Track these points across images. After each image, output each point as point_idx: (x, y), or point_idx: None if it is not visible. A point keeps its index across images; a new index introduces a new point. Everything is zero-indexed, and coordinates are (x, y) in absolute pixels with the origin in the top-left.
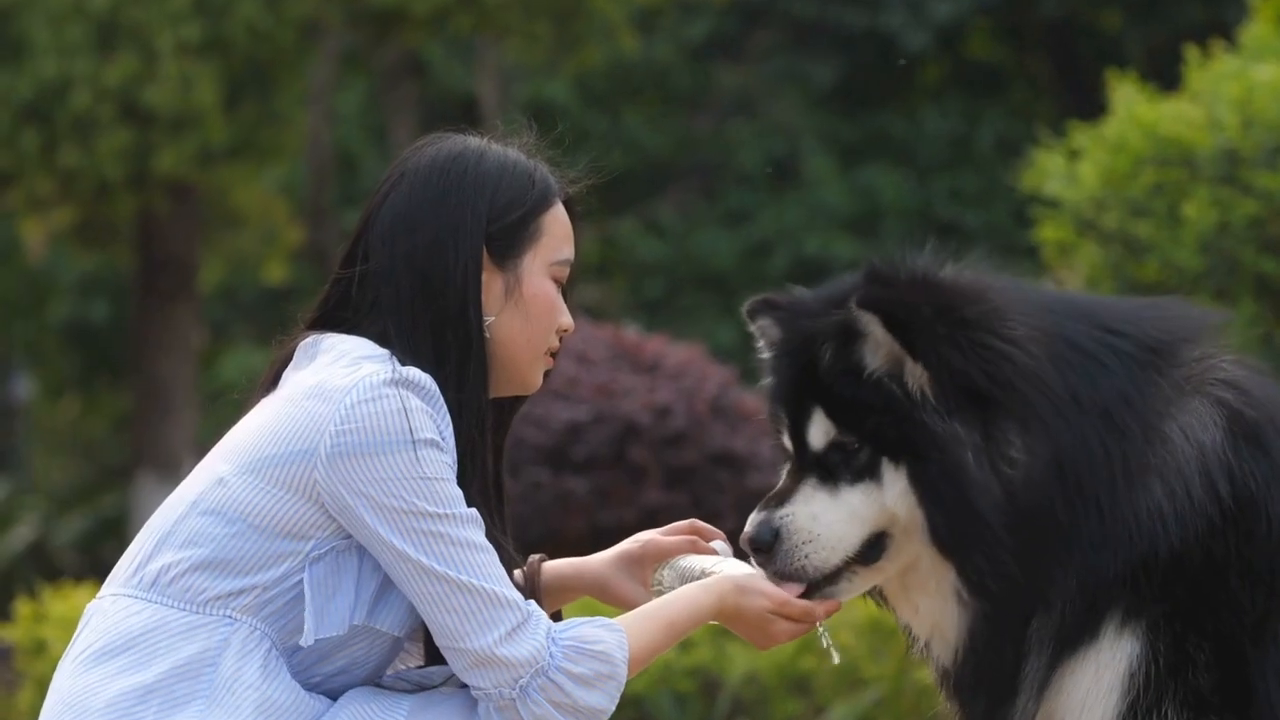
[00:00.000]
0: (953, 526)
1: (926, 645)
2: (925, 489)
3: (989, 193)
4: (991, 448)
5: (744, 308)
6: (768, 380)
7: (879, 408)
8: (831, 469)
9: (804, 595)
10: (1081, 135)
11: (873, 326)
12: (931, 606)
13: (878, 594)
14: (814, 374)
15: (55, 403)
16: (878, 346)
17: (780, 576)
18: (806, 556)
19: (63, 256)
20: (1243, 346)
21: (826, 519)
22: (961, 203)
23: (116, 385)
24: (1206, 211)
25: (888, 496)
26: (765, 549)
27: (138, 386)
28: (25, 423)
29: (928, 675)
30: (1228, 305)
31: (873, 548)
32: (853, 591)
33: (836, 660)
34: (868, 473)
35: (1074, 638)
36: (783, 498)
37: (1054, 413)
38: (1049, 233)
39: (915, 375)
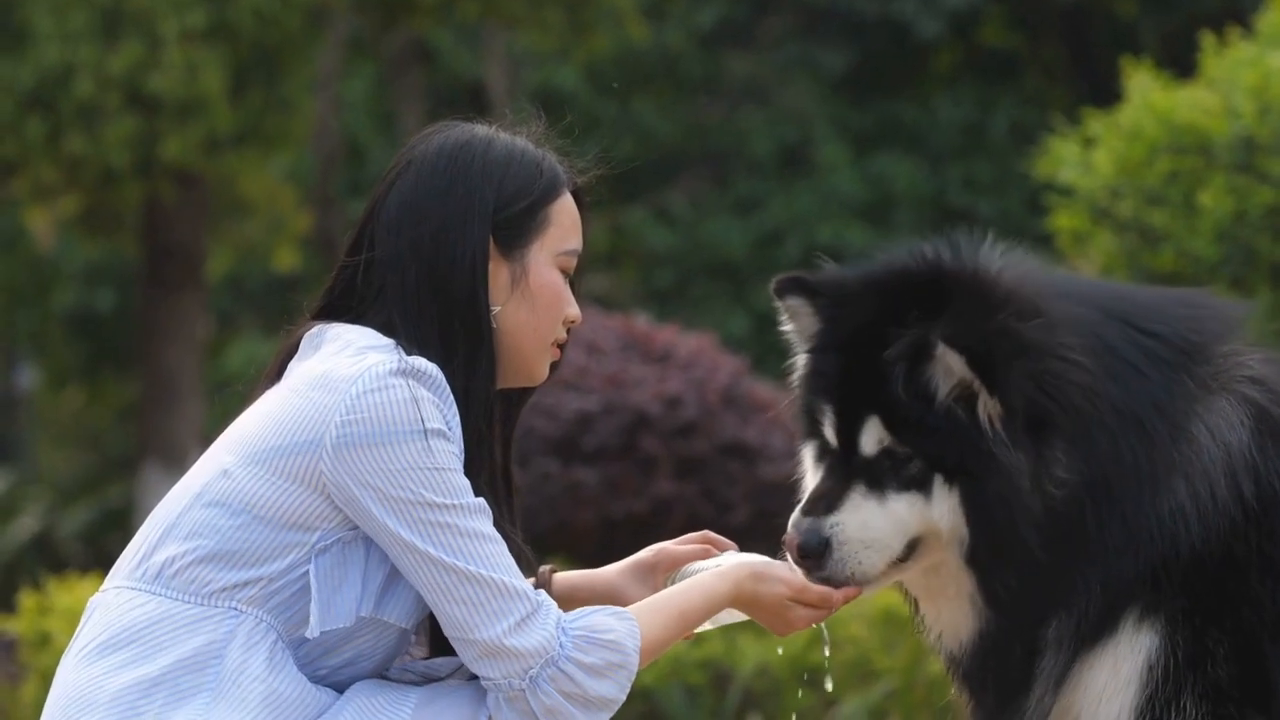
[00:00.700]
0: (994, 547)
1: (938, 637)
2: (976, 511)
3: (1003, 181)
4: (1042, 469)
5: (772, 284)
6: (806, 370)
7: (943, 430)
8: (879, 476)
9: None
10: (1096, 123)
11: (954, 362)
12: (948, 608)
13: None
14: (870, 378)
15: (60, 392)
16: (951, 374)
17: (828, 583)
18: (859, 564)
19: (68, 245)
20: (1259, 338)
21: (875, 526)
22: (975, 190)
23: (122, 375)
24: (1223, 200)
25: (934, 511)
26: (815, 556)
27: (143, 376)
28: (30, 413)
29: (939, 667)
30: (1244, 295)
31: (909, 549)
32: (880, 586)
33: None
34: (916, 484)
35: (1093, 635)
36: (831, 504)
37: (1099, 427)
38: (1063, 221)
39: (988, 405)
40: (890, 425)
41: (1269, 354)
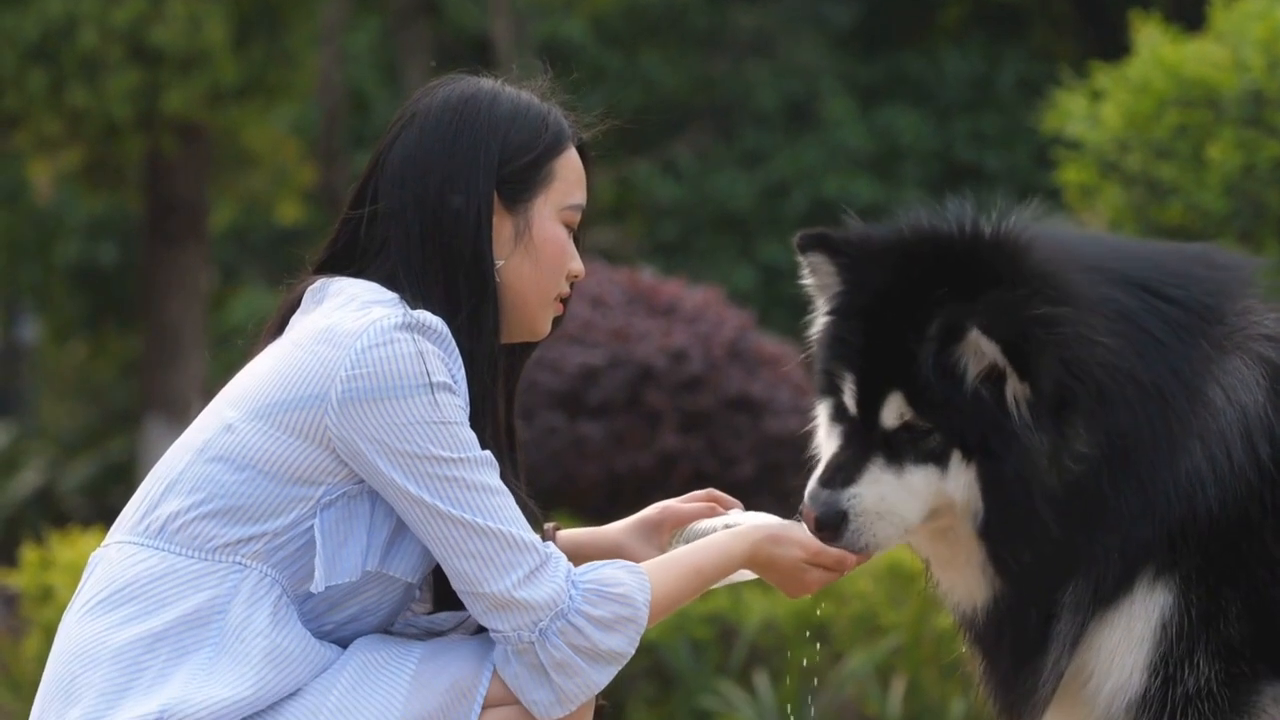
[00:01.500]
0: (1008, 522)
1: (950, 600)
2: (993, 487)
3: (1010, 134)
4: (1063, 446)
5: (795, 238)
6: (828, 334)
7: (968, 409)
8: (898, 448)
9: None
10: (1104, 76)
11: (988, 348)
12: (960, 575)
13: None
14: (894, 350)
15: (62, 346)
16: (981, 357)
17: (843, 549)
18: (874, 535)
19: (70, 198)
20: (1270, 292)
21: (893, 500)
22: (982, 144)
23: (124, 328)
24: (1231, 153)
25: (950, 485)
26: (832, 529)
27: (146, 330)
28: (32, 366)
29: (946, 622)
30: (1252, 248)
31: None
32: (890, 548)
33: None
34: (935, 458)
35: (1109, 597)
36: (849, 476)
37: (1120, 402)
38: (1071, 175)
39: (1016, 388)
40: (913, 400)
41: None
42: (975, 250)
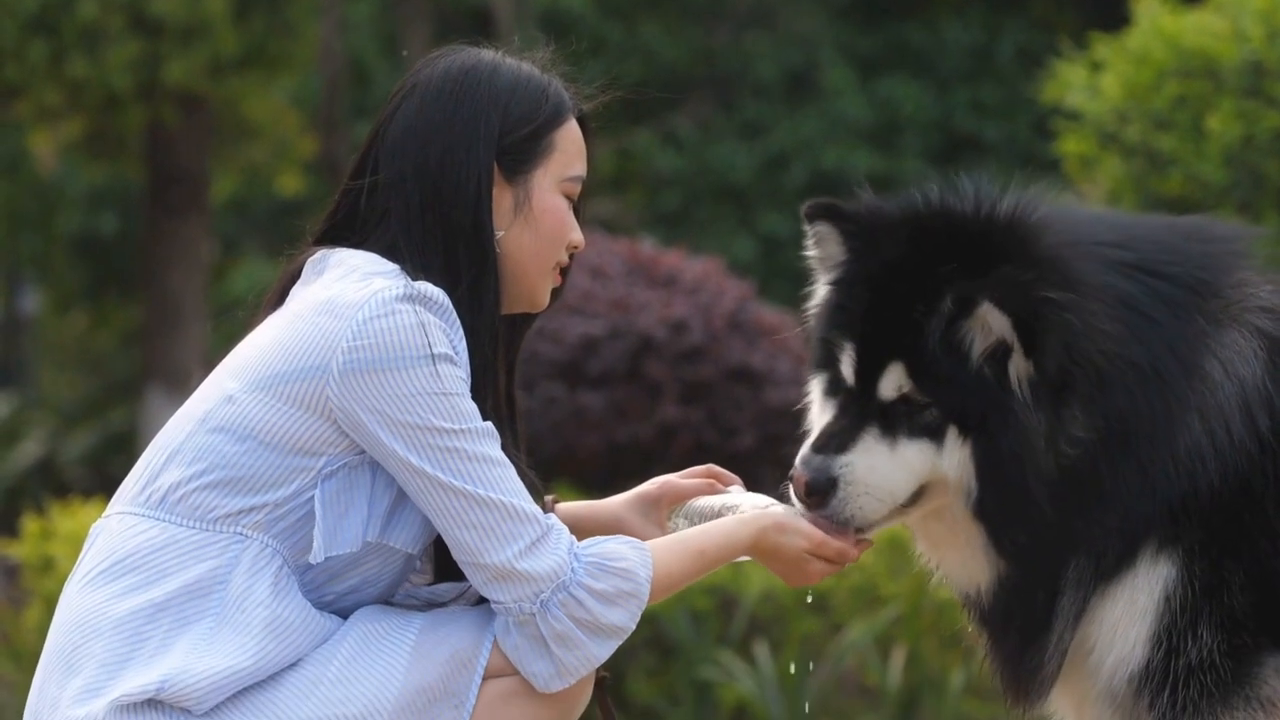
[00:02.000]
0: (1002, 502)
1: (949, 581)
2: (988, 465)
3: (1010, 105)
4: (1059, 429)
5: (803, 208)
6: (829, 302)
7: (970, 385)
8: (894, 420)
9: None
10: (1104, 47)
11: (998, 323)
12: (961, 557)
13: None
14: (897, 321)
15: (63, 317)
16: (989, 333)
17: (829, 522)
18: (861, 507)
19: (71, 169)
20: (1268, 262)
21: (884, 471)
22: (982, 115)
23: (125, 299)
24: (1231, 124)
25: (945, 461)
26: (820, 494)
27: (147, 300)
28: (33, 337)
29: (946, 593)
30: (1252, 219)
31: (914, 496)
32: (883, 527)
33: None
34: (930, 433)
35: (1112, 571)
36: (842, 444)
37: (1117, 385)
38: (1071, 146)
39: (1020, 367)
40: (913, 373)
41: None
42: (984, 229)
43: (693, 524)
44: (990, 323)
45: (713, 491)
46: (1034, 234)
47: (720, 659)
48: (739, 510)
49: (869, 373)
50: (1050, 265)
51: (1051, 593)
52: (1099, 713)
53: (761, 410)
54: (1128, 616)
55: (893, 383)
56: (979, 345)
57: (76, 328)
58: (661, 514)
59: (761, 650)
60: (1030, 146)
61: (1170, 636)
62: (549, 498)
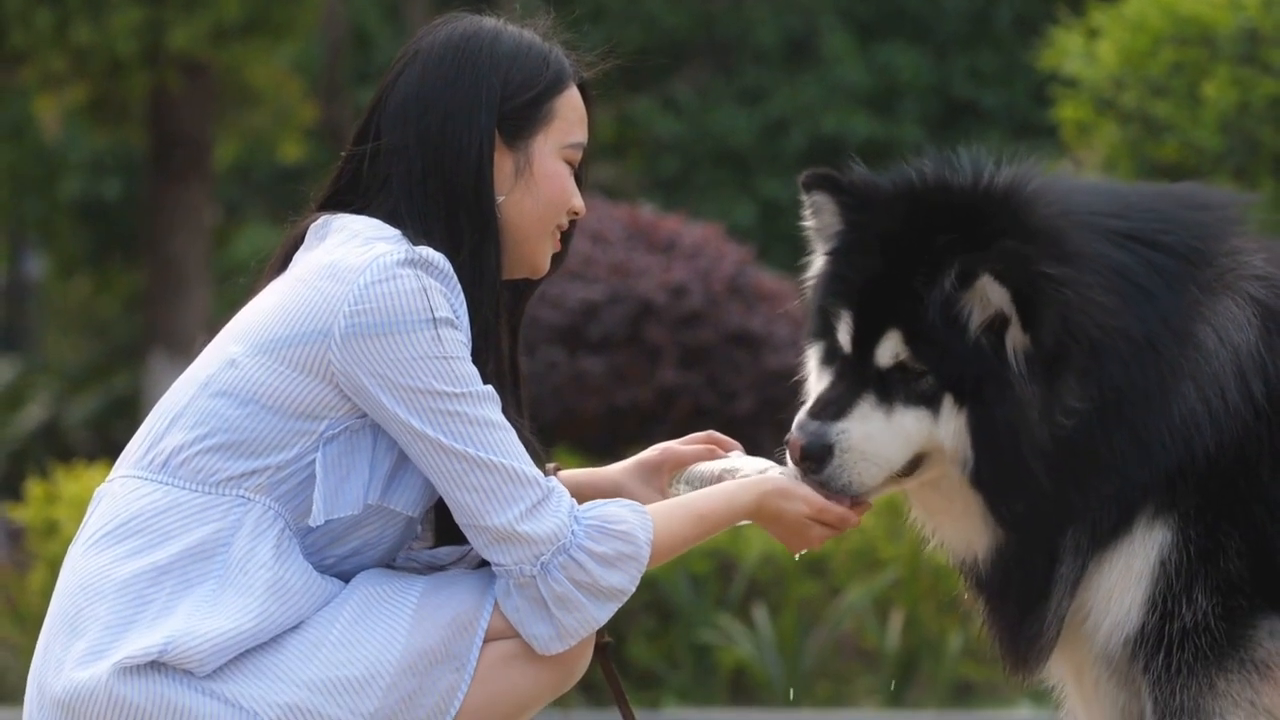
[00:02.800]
0: (997, 472)
1: (947, 549)
2: (983, 435)
3: (1008, 71)
4: (1054, 401)
5: (801, 177)
6: (827, 271)
7: (967, 356)
8: (890, 388)
9: None
10: (1101, 14)
11: (997, 295)
12: (958, 526)
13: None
14: (894, 290)
15: (68, 281)
16: (987, 305)
17: (824, 488)
18: (858, 474)
19: (75, 134)
20: (1263, 229)
21: (880, 439)
22: (980, 81)
23: (129, 264)
24: (1226, 91)
25: (941, 430)
26: (815, 460)
27: (150, 265)
28: (37, 301)
29: (944, 557)
30: (1247, 185)
31: (911, 464)
32: (879, 495)
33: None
34: (926, 401)
35: (1108, 538)
36: (839, 410)
37: (1112, 357)
38: (1068, 112)
39: (1017, 339)
40: (910, 341)
41: (1272, 249)
42: (981, 200)
43: (693, 490)
44: (989, 295)
45: (713, 458)
46: (1030, 205)
47: (719, 622)
48: (740, 474)
49: (866, 340)
50: (1047, 237)
51: (1050, 561)
52: (1096, 676)
53: (760, 374)
54: (1124, 582)
55: (889, 350)
56: (977, 317)
57: (80, 292)
58: (662, 480)
59: (760, 613)
60: (1027, 113)
61: (1165, 601)
62: (551, 465)
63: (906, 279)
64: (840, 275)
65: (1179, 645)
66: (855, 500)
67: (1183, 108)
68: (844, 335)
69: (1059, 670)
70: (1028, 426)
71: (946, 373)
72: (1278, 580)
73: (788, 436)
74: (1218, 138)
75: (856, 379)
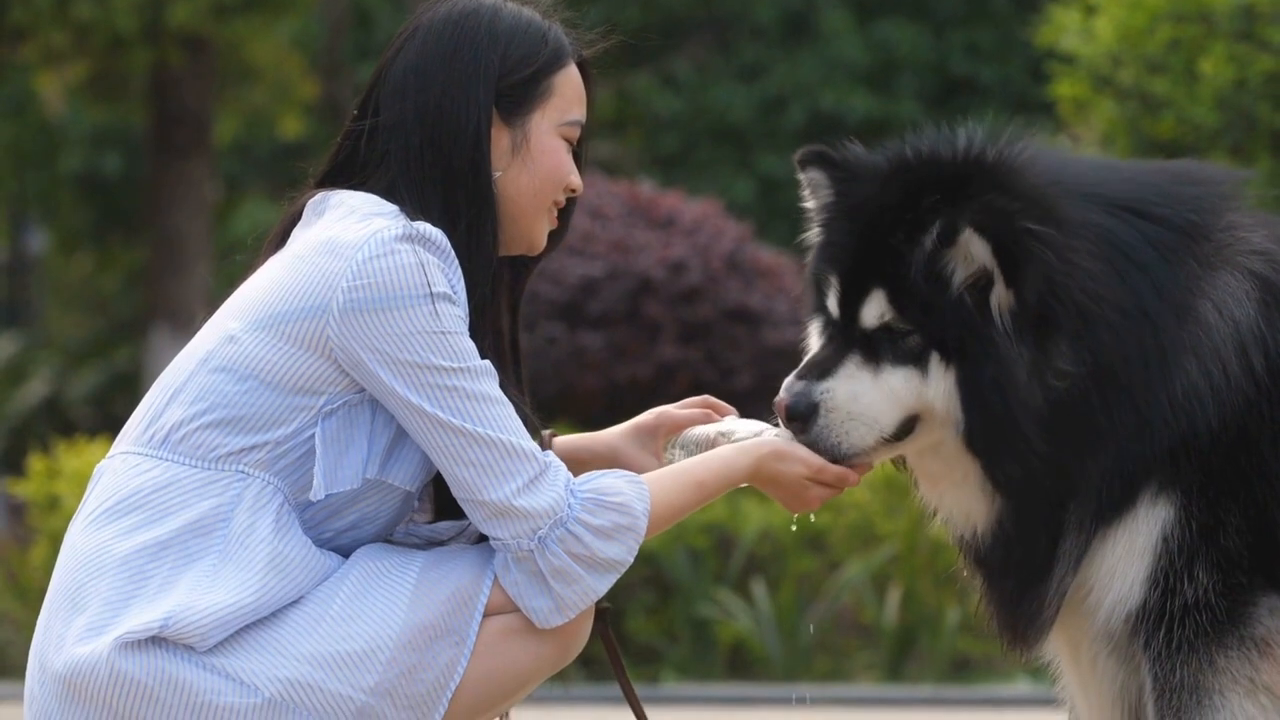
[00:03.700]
0: (989, 432)
1: (948, 521)
2: (971, 394)
3: (1005, 48)
4: (1044, 362)
5: (796, 155)
6: (818, 238)
7: (950, 313)
8: (876, 348)
9: None
10: None
11: (979, 249)
12: (958, 495)
13: (901, 463)
14: (879, 251)
15: (69, 257)
16: (970, 262)
17: (814, 450)
18: (846, 434)
19: (76, 110)
20: (1260, 205)
21: (867, 399)
22: (977, 58)
23: (130, 239)
24: (1223, 67)
25: (930, 390)
26: (801, 419)
27: (152, 241)
28: (39, 277)
29: (942, 532)
30: (1244, 162)
31: (904, 428)
32: (876, 461)
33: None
34: (913, 360)
35: (1112, 513)
36: (824, 370)
37: (1103, 324)
38: (1065, 89)
39: (1001, 297)
40: (895, 301)
41: (1270, 225)
42: (969, 167)
43: (689, 454)
44: (972, 251)
45: (708, 422)
46: (1019, 172)
47: (718, 597)
48: (734, 436)
49: (851, 302)
50: (1035, 200)
51: (1052, 537)
52: (1095, 652)
53: (759, 350)
54: (1127, 557)
55: (874, 311)
56: (960, 274)
57: (82, 268)
58: (658, 444)
59: (759, 588)
60: (1025, 89)
61: (1167, 577)
62: (547, 432)
63: (890, 240)
64: (829, 242)
65: (1180, 622)
66: (848, 465)
67: (1180, 84)
68: (831, 300)
69: (1057, 645)
70: (1015, 385)
71: (932, 331)
72: (1278, 557)
73: (776, 398)
74: (1215, 114)
75: (844, 341)
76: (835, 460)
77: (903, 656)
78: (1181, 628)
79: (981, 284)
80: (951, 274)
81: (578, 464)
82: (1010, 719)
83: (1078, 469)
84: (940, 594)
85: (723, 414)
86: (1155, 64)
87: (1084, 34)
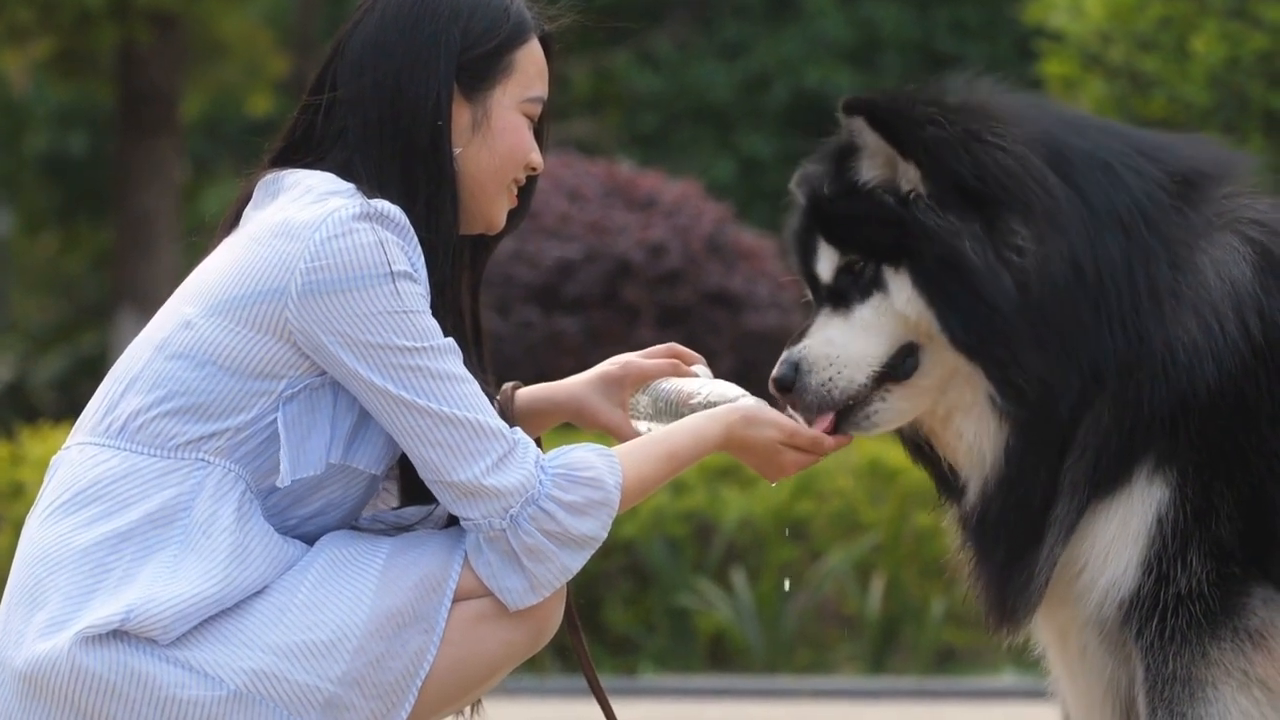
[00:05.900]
0: (966, 321)
1: (962, 486)
2: (929, 286)
3: (992, 25)
4: (995, 237)
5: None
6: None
7: (873, 218)
8: (843, 294)
9: (837, 426)
10: None
11: (861, 130)
12: (970, 425)
13: (913, 439)
14: (815, 207)
15: (34, 238)
16: (872, 155)
17: (810, 410)
18: (831, 380)
19: (42, 88)
20: (1255, 182)
21: (841, 340)
22: (964, 35)
23: (96, 220)
24: (1215, 45)
25: (896, 302)
26: (789, 387)
27: (118, 221)
28: (3, 259)
29: (926, 520)
30: (1236, 141)
31: (903, 361)
32: (891, 415)
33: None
34: (874, 285)
35: (1106, 482)
36: (801, 334)
37: (1058, 209)
38: (1054, 67)
39: (909, 177)
40: (829, 238)
41: (1270, 199)
42: (884, 92)
43: (656, 405)
44: (868, 141)
45: (676, 372)
46: (954, 98)
47: (697, 587)
48: (707, 398)
49: (809, 266)
50: (941, 96)
51: (1048, 495)
52: (1084, 642)
53: (740, 334)
54: (1121, 538)
55: (827, 261)
56: (867, 174)
57: (47, 249)
58: (625, 395)
59: (739, 578)
60: (1013, 68)
61: (1161, 563)
62: (509, 385)
63: (818, 189)
64: (788, 228)
65: (1173, 611)
66: (859, 422)
67: (1171, 62)
68: (800, 276)
69: (1044, 634)
70: (962, 258)
71: (869, 245)
72: (1271, 542)
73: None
74: (1206, 93)
75: (817, 304)
76: (836, 411)
77: (886, 648)
78: (1175, 617)
79: (893, 176)
80: (863, 182)
81: (541, 415)
82: (996, 711)
83: (1076, 388)
84: (925, 584)
85: (689, 362)
86: (1146, 41)
87: (1073, 11)
